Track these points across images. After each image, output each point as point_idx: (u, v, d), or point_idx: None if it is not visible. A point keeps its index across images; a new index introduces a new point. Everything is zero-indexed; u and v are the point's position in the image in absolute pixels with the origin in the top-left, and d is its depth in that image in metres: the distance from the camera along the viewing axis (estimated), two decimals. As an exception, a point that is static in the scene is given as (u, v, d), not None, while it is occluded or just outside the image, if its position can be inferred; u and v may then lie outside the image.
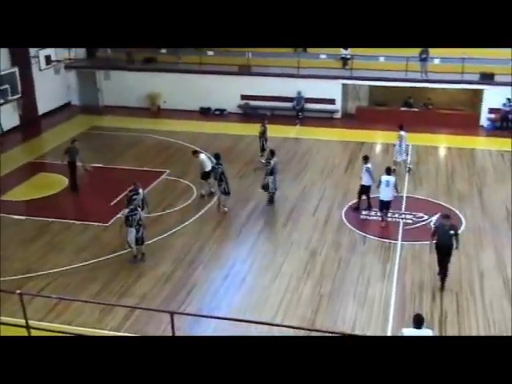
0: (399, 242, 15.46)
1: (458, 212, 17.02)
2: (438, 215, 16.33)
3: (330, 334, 8.15)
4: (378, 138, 23.89)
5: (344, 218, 16.84)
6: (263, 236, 16.20)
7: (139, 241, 14.56)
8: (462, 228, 15.91)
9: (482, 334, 11.77)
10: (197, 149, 19.61)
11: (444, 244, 12.97)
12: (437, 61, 25.77)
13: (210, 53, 27.79)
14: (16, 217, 17.03)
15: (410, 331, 9.43)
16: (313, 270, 14.27)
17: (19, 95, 23.25)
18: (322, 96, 26.54)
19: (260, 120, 22.15)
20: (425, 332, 9.42)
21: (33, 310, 11.99)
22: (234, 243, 15.81)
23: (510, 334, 11.71)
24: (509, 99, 24.71)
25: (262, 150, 21.06)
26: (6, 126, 24.40)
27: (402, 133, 19.94)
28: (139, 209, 14.63)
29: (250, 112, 27.16)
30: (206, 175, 18.12)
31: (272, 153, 17.85)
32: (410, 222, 16.58)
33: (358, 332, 11.68)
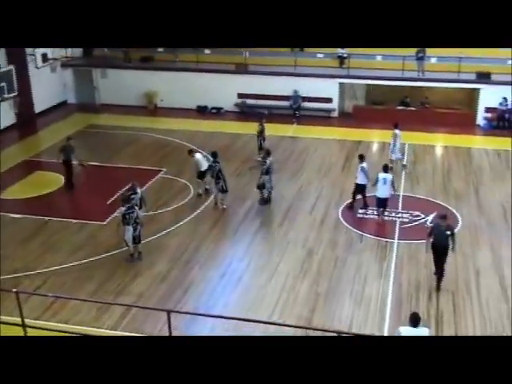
0: (396, 241, 15.48)
1: (454, 211, 17.04)
2: (434, 214, 16.38)
3: (327, 333, 8.16)
4: (375, 137, 23.91)
5: (341, 217, 16.85)
6: (260, 235, 16.19)
7: (136, 239, 14.56)
8: (459, 227, 15.95)
9: (479, 333, 11.78)
10: (192, 148, 19.57)
11: (440, 244, 12.97)
12: (433, 60, 25.84)
13: (207, 51, 27.80)
14: (13, 215, 17.00)
15: (406, 329, 9.44)
16: (309, 268, 14.27)
17: (15, 93, 23.17)
18: (318, 95, 26.55)
19: (257, 119, 22.17)
20: (421, 330, 9.43)
21: (29, 308, 11.97)
22: (230, 242, 15.80)
23: (506, 333, 11.74)
24: (505, 98, 24.74)
25: (260, 148, 21.06)
26: (3, 125, 24.34)
27: (397, 131, 19.99)
28: (136, 207, 14.62)
29: (246, 110, 27.16)
30: (202, 174, 18.10)
31: (268, 152, 17.86)
32: (407, 220, 16.60)
33: (354, 331, 11.68)
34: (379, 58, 26.13)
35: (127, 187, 15.83)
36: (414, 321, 9.46)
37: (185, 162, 20.06)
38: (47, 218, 16.83)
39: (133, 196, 15.07)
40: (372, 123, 24.87)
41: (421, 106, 26.86)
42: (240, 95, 27.53)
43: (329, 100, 26.78)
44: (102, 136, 24.46)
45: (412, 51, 24.72)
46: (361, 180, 17.02)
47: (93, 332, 11.58)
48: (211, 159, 17.67)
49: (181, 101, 27.63)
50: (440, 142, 23.79)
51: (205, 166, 17.99)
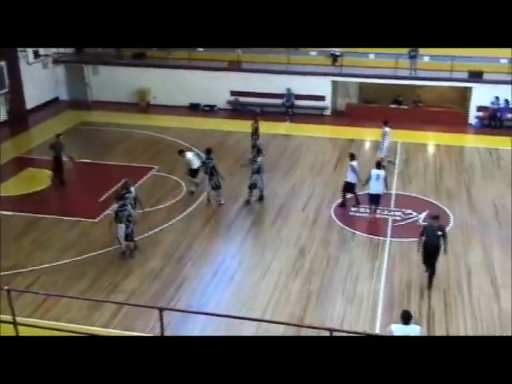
0: (388, 239, 15.53)
1: (446, 209, 17.11)
2: (426, 212, 16.44)
3: (319, 331, 8.17)
4: (368, 135, 23.92)
5: (333, 215, 16.88)
6: (252, 233, 16.20)
7: (129, 237, 14.53)
8: (450, 225, 16.01)
9: (470, 331, 11.84)
10: (183, 148, 19.34)
11: (432, 244, 13.01)
12: (426, 58, 25.89)
13: (200, 49, 27.71)
14: (4, 212, 16.92)
15: (398, 327, 9.49)
16: (302, 267, 14.29)
17: (7, 90, 23.05)
18: (311, 93, 26.57)
19: (251, 117, 22.11)
20: (413, 328, 9.49)
21: (21, 306, 11.88)
22: (223, 240, 15.80)
23: (497, 332, 11.81)
24: (497, 97, 24.84)
25: (253, 147, 21.01)
26: (-6, 121, 24.24)
27: (387, 129, 20.03)
28: (129, 205, 14.55)
29: (239, 108, 27.13)
30: (194, 172, 18.06)
31: (259, 151, 17.85)
32: (399, 218, 16.65)
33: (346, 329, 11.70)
34: (372, 56, 26.17)
35: (120, 184, 15.74)
36: (406, 318, 9.52)
37: (177, 160, 19.94)
38: (39, 215, 16.76)
39: (127, 195, 14.95)
40: (365, 121, 24.88)
41: (413, 104, 26.91)
42: (233, 93, 27.51)
43: (322, 98, 26.81)
44: (93, 133, 24.38)
45: (405, 50, 24.77)
46: (350, 178, 17.05)
47: (84, 330, 11.51)
48: (204, 156, 17.64)
49: (173, 98, 27.57)
50: (432, 140, 23.87)
51: (196, 164, 17.94)
